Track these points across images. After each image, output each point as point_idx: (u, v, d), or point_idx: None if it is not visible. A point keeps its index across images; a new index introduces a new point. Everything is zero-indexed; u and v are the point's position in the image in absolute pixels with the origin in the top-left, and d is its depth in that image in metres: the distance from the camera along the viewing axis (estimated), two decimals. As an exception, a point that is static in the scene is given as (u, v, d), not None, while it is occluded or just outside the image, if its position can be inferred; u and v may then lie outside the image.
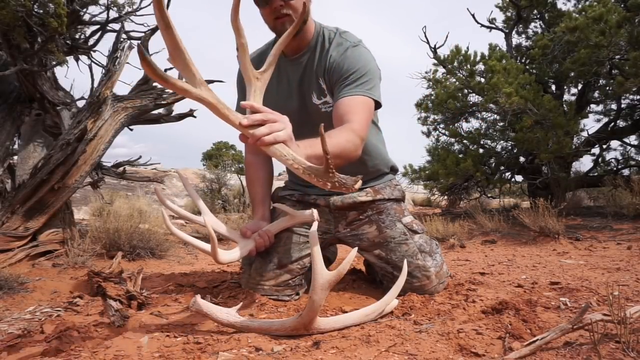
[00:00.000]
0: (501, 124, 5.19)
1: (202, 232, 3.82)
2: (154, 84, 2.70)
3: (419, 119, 5.84)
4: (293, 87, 1.52)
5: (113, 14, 3.02)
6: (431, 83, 5.66)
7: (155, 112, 2.89)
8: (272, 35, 1.52)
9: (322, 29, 1.50)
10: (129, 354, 0.99)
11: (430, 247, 1.54)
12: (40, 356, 1.01)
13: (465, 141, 5.43)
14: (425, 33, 5.46)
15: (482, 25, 6.26)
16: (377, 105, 1.42)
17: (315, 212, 1.39)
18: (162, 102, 2.67)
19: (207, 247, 1.26)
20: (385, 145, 1.75)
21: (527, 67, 5.24)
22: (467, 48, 4.99)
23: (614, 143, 5.49)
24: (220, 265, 1.35)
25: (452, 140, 5.65)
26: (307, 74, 1.48)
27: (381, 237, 1.53)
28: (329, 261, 1.89)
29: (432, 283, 1.48)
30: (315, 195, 1.62)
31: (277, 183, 1.86)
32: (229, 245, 3.57)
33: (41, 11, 2.24)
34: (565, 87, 5.47)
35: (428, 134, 5.90)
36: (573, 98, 5.42)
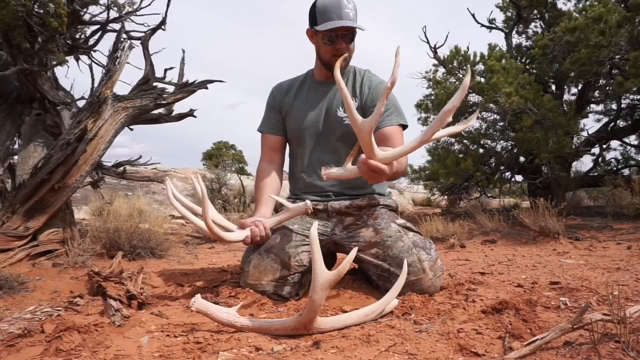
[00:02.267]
0: (501, 124, 5.19)
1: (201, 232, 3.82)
2: (154, 83, 2.70)
3: (419, 119, 5.84)
4: (322, 105, 1.75)
5: (113, 14, 3.01)
6: (431, 83, 5.65)
7: (156, 112, 2.89)
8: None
9: (354, 66, 1.81)
10: (129, 354, 0.99)
11: (424, 243, 1.57)
12: (40, 356, 1.01)
13: (465, 141, 5.43)
14: (425, 33, 5.47)
15: (482, 25, 6.26)
16: (404, 127, 1.73)
17: (308, 202, 1.49)
18: (162, 102, 2.67)
19: (202, 223, 1.35)
20: None
21: (527, 67, 5.24)
22: (467, 48, 4.99)
23: (614, 143, 5.49)
24: (212, 236, 1.40)
25: (452, 140, 5.64)
26: (338, 95, 1.72)
27: (378, 237, 1.57)
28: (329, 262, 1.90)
29: (428, 276, 1.49)
30: (314, 201, 1.71)
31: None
32: (229, 246, 3.57)
33: (41, 11, 2.23)
34: (565, 87, 5.47)
35: (428, 134, 5.89)
36: (573, 98, 5.42)
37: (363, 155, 1.28)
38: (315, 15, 1.62)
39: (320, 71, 1.78)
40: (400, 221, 1.63)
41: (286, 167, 1.94)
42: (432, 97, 5.54)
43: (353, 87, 1.75)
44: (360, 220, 1.67)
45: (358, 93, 1.74)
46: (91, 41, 3.10)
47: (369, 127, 1.18)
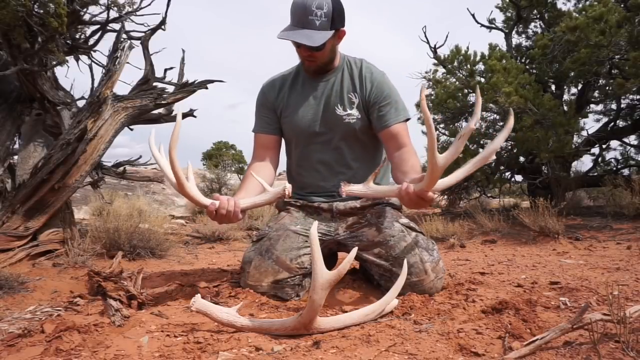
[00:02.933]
0: (501, 123, 5.18)
1: (201, 232, 3.83)
2: (154, 83, 2.71)
3: (419, 119, 5.83)
4: (319, 101, 1.69)
5: (113, 13, 3.02)
6: (431, 83, 5.65)
7: (156, 112, 2.89)
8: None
9: (346, 56, 1.74)
10: (129, 354, 0.99)
11: (427, 244, 1.56)
12: (40, 356, 1.01)
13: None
14: (425, 33, 5.47)
15: (482, 25, 6.26)
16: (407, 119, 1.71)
17: (287, 185, 1.42)
18: (162, 102, 2.67)
19: (172, 176, 1.28)
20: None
21: (527, 67, 5.23)
22: (467, 48, 4.97)
23: (614, 143, 5.49)
24: (177, 187, 1.27)
25: (452, 139, 5.64)
26: (335, 90, 1.69)
27: (381, 237, 1.55)
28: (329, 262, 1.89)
29: (430, 278, 1.48)
30: (318, 202, 1.70)
31: (278, 183, 1.87)
32: (229, 244, 3.57)
33: (41, 11, 2.23)
34: (565, 87, 5.46)
35: (428, 134, 5.89)
36: (573, 98, 5.41)
37: (406, 184, 1.29)
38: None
39: None
40: (404, 220, 1.60)
41: (283, 167, 1.91)
42: (432, 97, 5.54)
43: (351, 80, 1.69)
44: (363, 218, 1.63)
45: (358, 87, 1.67)
46: (91, 41, 3.10)
47: (443, 166, 1.20)
